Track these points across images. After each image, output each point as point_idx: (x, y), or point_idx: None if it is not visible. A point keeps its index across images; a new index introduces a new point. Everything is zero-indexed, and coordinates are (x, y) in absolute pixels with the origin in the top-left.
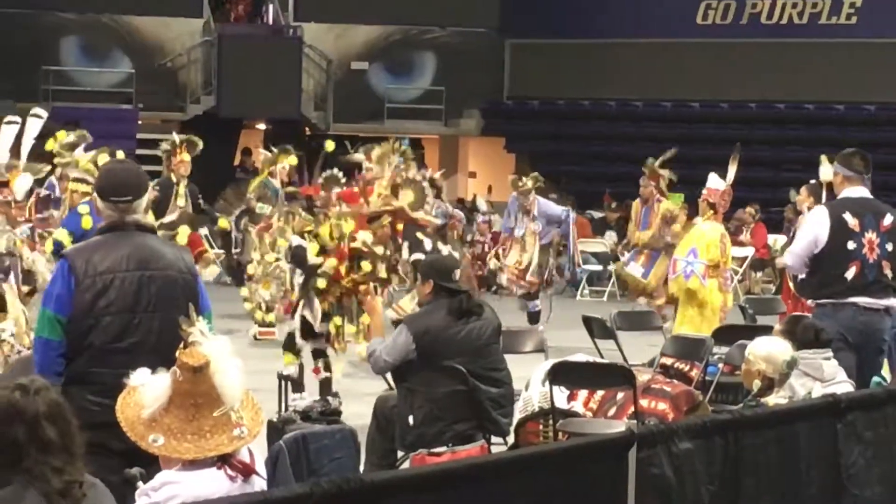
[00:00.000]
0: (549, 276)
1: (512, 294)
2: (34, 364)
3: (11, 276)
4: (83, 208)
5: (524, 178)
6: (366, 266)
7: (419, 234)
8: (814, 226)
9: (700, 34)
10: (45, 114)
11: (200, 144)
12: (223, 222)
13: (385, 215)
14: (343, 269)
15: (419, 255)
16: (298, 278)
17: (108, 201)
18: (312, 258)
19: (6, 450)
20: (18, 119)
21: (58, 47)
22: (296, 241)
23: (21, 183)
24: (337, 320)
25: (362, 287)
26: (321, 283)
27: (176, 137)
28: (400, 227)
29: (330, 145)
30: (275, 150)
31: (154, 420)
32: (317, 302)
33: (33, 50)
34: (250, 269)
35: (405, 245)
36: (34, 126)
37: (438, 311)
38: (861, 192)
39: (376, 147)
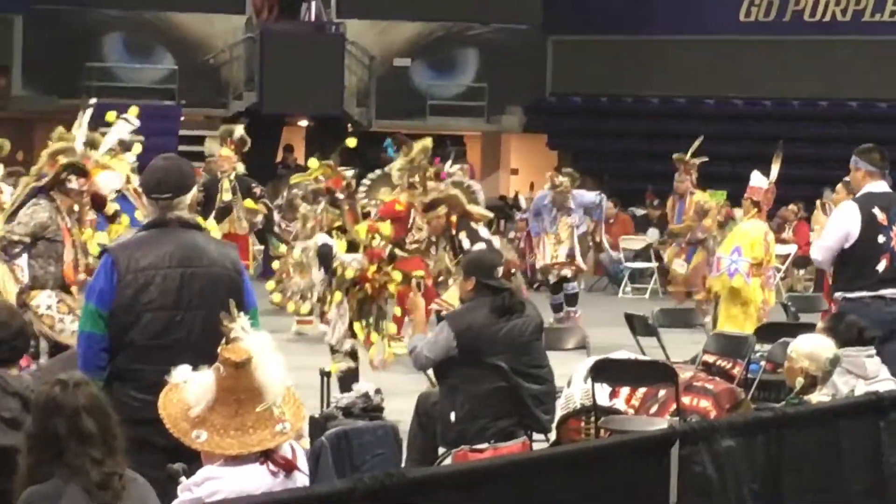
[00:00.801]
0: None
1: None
2: (77, 358)
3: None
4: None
5: (560, 178)
6: (396, 276)
7: (473, 224)
8: (844, 220)
9: (743, 31)
10: (136, 122)
11: (248, 143)
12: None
13: (442, 205)
14: (371, 271)
15: (481, 245)
16: (318, 275)
17: (150, 198)
18: (341, 254)
19: (47, 444)
20: (136, 122)
21: (101, 44)
22: (321, 238)
23: (106, 179)
24: (360, 325)
25: (391, 287)
26: (349, 273)
27: (238, 130)
28: (454, 218)
29: (351, 142)
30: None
31: (198, 416)
32: (343, 307)
33: (76, 46)
34: (276, 265)
35: (463, 235)
36: (122, 129)
37: (481, 309)
38: (883, 186)
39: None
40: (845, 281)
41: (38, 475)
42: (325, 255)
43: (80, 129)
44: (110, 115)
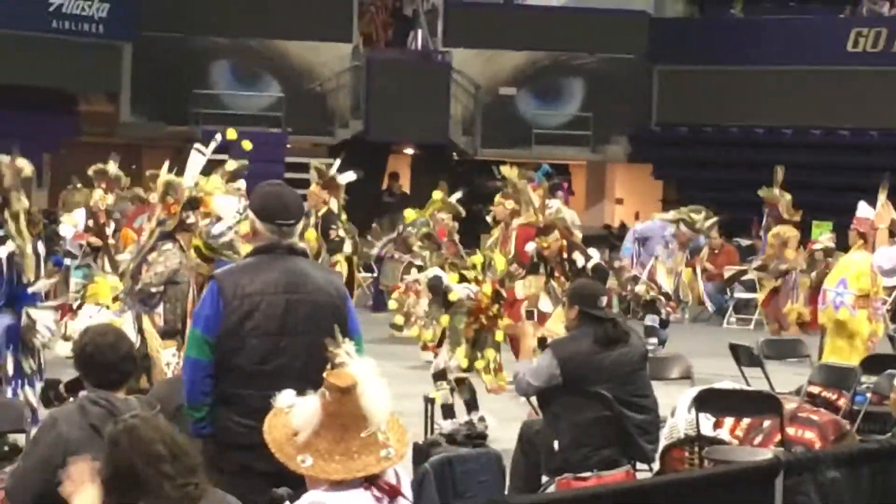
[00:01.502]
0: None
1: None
2: (183, 383)
3: (161, 308)
4: None
5: (697, 216)
6: (486, 289)
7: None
8: None
9: (850, 62)
10: (207, 151)
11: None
12: (338, 256)
13: (556, 230)
14: (485, 303)
15: (596, 260)
16: (424, 307)
17: (273, 224)
18: (453, 286)
19: (123, 481)
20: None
21: (208, 71)
22: (433, 271)
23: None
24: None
25: (502, 322)
26: (467, 302)
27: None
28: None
29: (232, 133)
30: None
31: (303, 441)
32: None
33: (184, 73)
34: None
35: (577, 254)
36: (197, 160)
37: (585, 338)
38: None
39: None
40: None
41: None
42: (435, 287)
43: (196, 165)
44: (231, 133)
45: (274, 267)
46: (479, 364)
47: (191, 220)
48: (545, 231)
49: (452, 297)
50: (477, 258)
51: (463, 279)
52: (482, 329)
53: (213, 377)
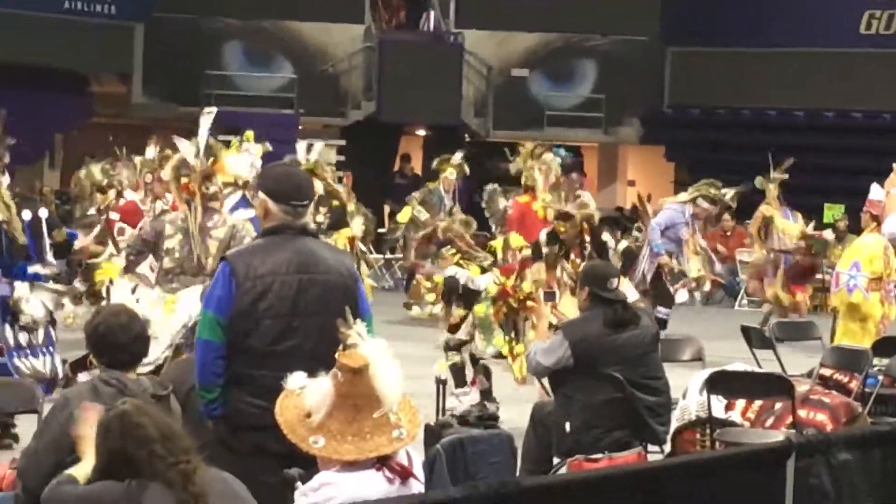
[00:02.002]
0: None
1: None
2: (195, 365)
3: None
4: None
5: (715, 190)
6: (526, 286)
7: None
8: None
9: (863, 44)
10: (214, 110)
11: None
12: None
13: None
14: (509, 284)
15: (626, 244)
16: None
17: (288, 204)
18: (475, 278)
19: (116, 466)
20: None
21: (220, 52)
22: (450, 271)
23: (235, 161)
24: (503, 340)
25: (529, 303)
26: (491, 288)
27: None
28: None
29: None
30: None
31: (316, 422)
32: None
33: (196, 54)
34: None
35: (605, 234)
36: (206, 121)
37: (595, 320)
38: None
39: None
40: None
41: None
42: (451, 286)
43: (200, 137)
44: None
45: (285, 248)
46: (520, 349)
47: (213, 189)
48: (565, 217)
49: (478, 287)
50: (497, 242)
51: (484, 271)
52: (512, 313)
53: (225, 358)
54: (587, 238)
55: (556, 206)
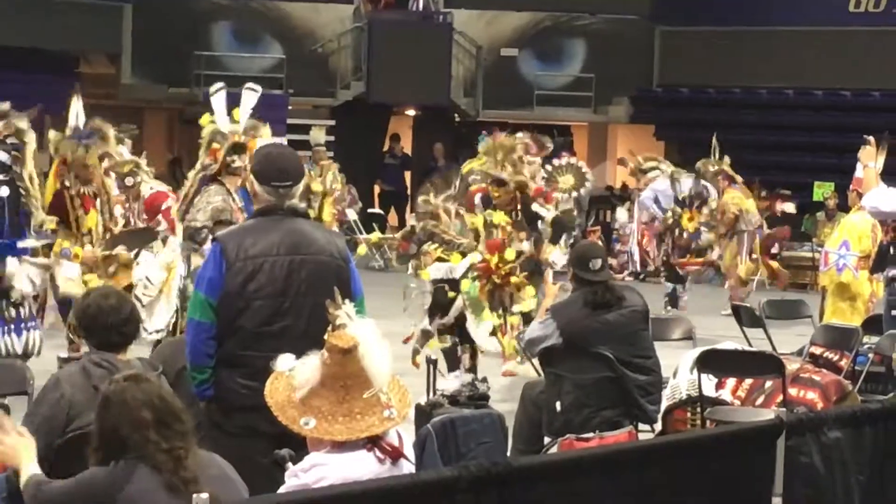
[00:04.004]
0: None
1: (661, 282)
2: (186, 345)
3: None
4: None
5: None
6: (510, 254)
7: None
8: None
9: (852, 22)
10: (259, 88)
11: None
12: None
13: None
14: (493, 262)
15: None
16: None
17: (270, 185)
18: (455, 266)
19: (111, 440)
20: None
21: (209, 32)
22: (433, 270)
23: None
24: (493, 315)
25: (513, 279)
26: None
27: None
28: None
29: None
30: None
31: (305, 403)
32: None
33: (185, 35)
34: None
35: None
36: (250, 99)
37: (580, 301)
38: None
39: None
40: None
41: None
42: (440, 303)
43: (218, 112)
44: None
45: (276, 228)
46: (513, 319)
47: (237, 164)
48: (499, 183)
49: (460, 274)
50: (478, 219)
51: (465, 255)
52: (497, 289)
53: (215, 339)
54: (518, 207)
55: (492, 171)
